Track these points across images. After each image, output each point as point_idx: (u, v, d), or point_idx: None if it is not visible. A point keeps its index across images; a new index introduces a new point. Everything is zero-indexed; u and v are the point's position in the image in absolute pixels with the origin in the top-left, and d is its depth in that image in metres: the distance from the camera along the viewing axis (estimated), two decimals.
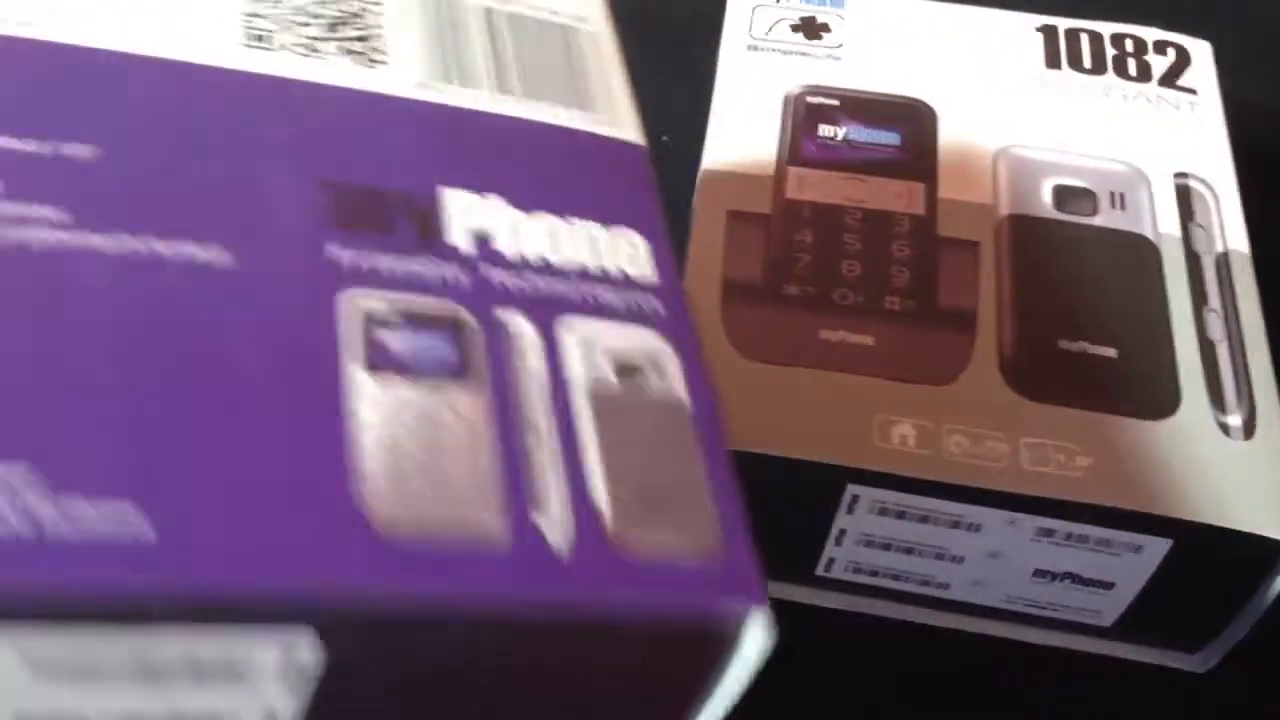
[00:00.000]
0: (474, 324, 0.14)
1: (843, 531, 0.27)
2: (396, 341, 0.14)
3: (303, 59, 0.16)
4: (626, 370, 0.14)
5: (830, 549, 0.28)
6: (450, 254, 0.15)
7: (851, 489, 0.27)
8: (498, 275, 0.15)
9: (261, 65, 0.15)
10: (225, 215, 0.14)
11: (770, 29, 0.33)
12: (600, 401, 0.14)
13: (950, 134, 0.31)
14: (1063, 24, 0.34)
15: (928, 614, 0.29)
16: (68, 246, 0.14)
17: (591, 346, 0.14)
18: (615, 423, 0.14)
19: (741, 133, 0.31)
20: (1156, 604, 0.27)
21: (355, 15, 0.16)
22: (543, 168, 0.16)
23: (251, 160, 0.15)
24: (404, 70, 0.16)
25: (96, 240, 0.14)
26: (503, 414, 0.14)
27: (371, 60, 0.16)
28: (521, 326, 0.14)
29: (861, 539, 0.27)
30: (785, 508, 0.27)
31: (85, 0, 0.15)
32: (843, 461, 0.26)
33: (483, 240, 0.15)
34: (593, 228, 0.15)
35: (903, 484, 0.26)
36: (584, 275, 0.15)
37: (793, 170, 0.30)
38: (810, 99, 0.31)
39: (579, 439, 0.14)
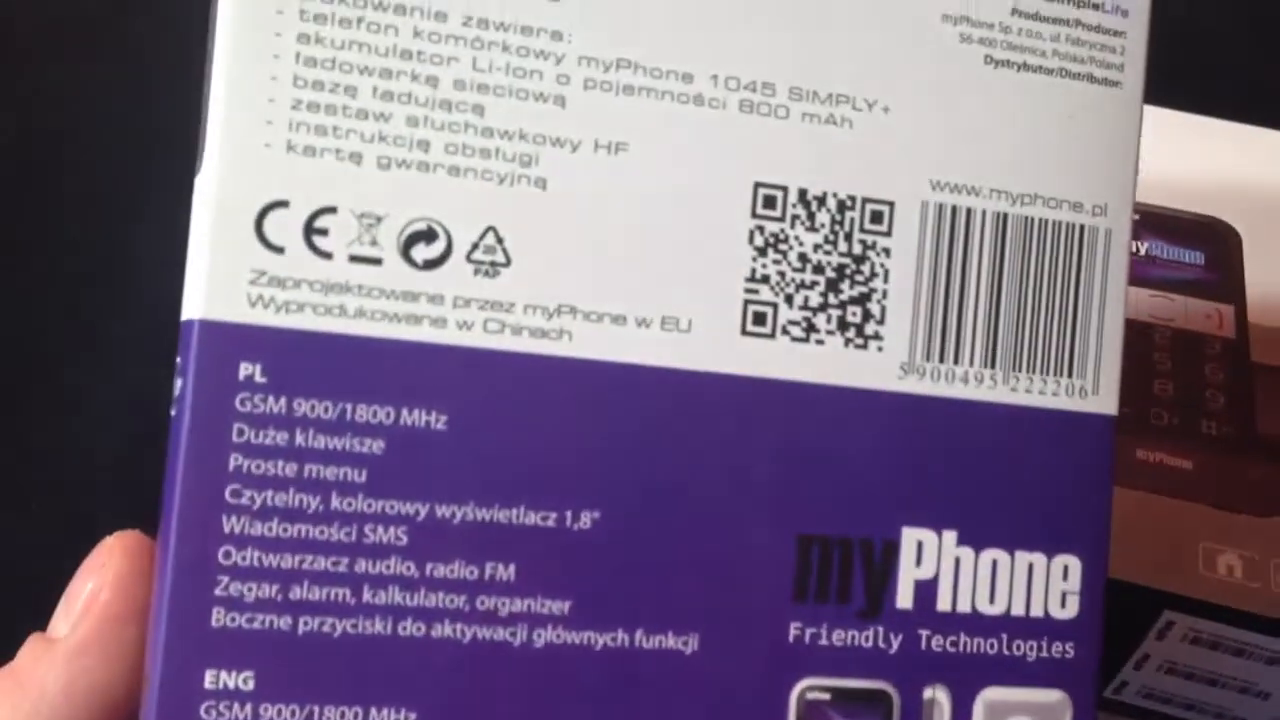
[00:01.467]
0: (899, 705, 0.16)
1: (1146, 656, 0.27)
2: None
3: (797, 346, 0.16)
4: None
5: (1127, 672, 0.27)
6: (893, 620, 0.16)
7: (1167, 615, 0.26)
8: (931, 640, 0.16)
9: (756, 363, 0.15)
10: (703, 595, 0.15)
11: None
12: None
13: (1254, 257, 0.31)
14: None
15: None
16: (566, 645, 0.15)
17: (997, 715, 0.16)
18: None
19: None
20: None
21: (859, 260, 0.16)
22: (1007, 482, 0.16)
23: (735, 513, 0.15)
24: (893, 346, 0.16)
25: (590, 637, 0.15)
26: None
27: (863, 335, 0.16)
28: (940, 703, 0.16)
29: (1165, 665, 0.27)
30: None
31: (575, 286, 0.15)
32: (1165, 587, 0.26)
33: (925, 596, 0.16)
34: (1035, 558, 0.16)
35: (1224, 614, 0.26)
36: (1010, 627, 0.16)
37: None
38: None
39: None
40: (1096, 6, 0.17)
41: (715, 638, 0.15)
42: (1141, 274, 0.30)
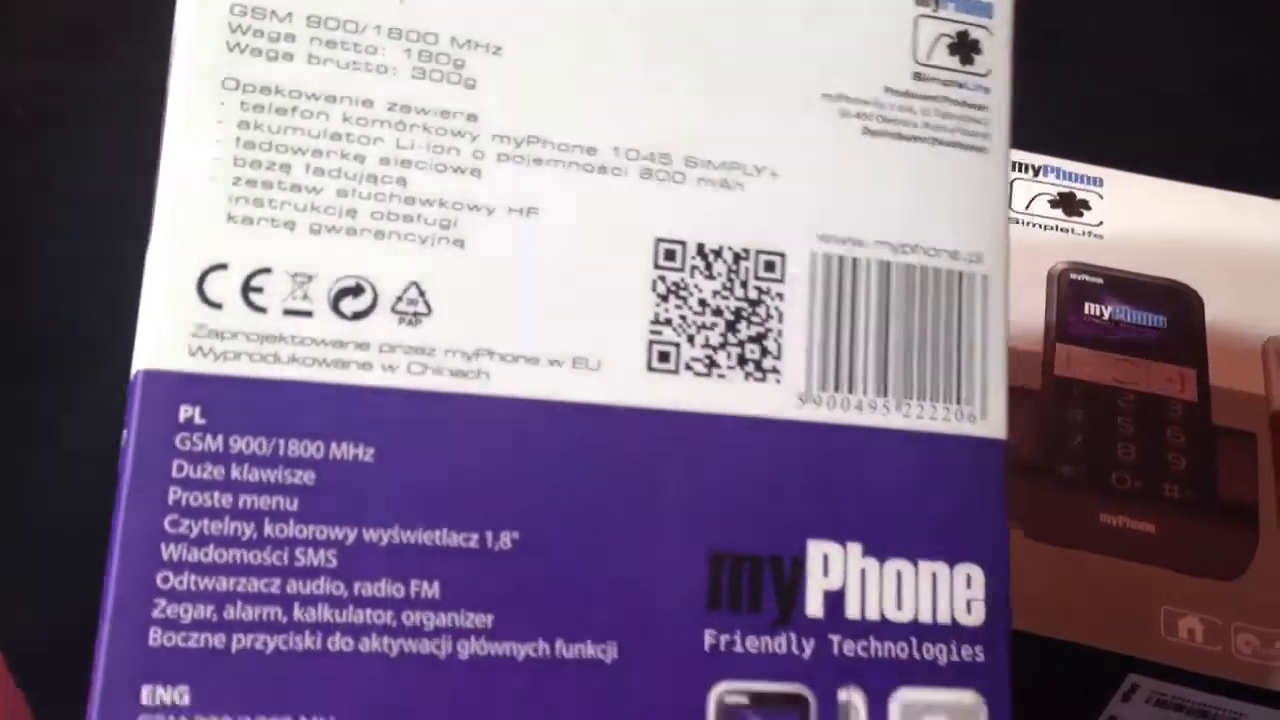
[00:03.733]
0: (815, 707, 0.17)
1: (1113, 718, 0.27)
2: None
3: (700, 380, 0.17)
4: None
5: None
6: (804, 627, 0.17)
7: (1131, 678, 0.26)
8: (843, 645, 0.17)
9: (663, 396, 0.17)
10: (620, 607, 0.16)
11: (1029, 203, 0.34)
12: None
13: (1216, 320, 0.31)
14: None
15: None
16: (489, 656, 0.16)
17: (913, 715, 0.17)
18: None
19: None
20: None
21: (755, 303, 0.17)
22: (905, 498, 0.17)
23: (649, 532, 0.16)
24: (791, 378, 0.17)
25: (512, 647, 0.16)
26: None
27: (761, 369, 0.17)
28: (856, 704, 0.17)
29: None
30: (1055, 690, 0.27)
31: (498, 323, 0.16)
32: (1129, 651, 0.26)
33: (834, 604, 0.17)
34: (938, 567, 0.17)
35: (1186, 678, 0.26)
36: (919, 631, 0.17)
37: (1060, 347, 0.30)
38: (1075, 276, 0.32)
39: None
40: (960, 85, 0.18)
41: (634, 646, 0.16)
42: (1103, 337, 0.31)
